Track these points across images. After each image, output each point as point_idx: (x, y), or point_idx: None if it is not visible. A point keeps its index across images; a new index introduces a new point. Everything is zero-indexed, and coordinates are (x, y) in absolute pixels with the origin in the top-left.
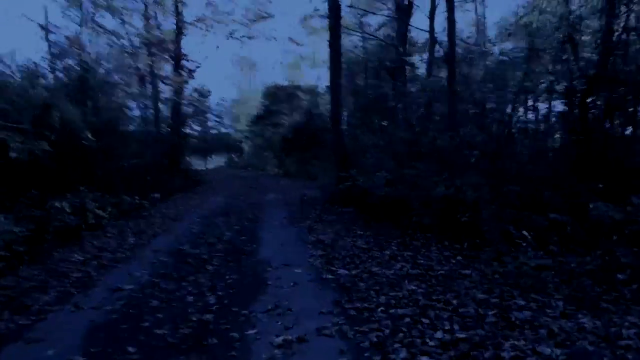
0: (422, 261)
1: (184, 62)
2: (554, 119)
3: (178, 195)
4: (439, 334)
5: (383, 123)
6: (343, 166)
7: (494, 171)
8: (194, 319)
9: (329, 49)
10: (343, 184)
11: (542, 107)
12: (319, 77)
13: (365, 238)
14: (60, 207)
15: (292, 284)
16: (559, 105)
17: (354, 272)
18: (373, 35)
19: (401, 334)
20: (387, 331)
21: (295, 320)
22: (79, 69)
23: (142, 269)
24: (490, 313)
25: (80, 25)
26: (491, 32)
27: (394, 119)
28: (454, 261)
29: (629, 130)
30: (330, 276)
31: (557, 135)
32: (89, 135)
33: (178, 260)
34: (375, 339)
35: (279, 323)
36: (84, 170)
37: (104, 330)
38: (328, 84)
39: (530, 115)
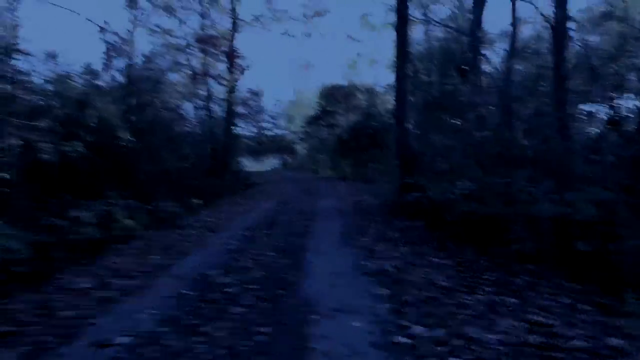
0: (538, 317)
1: (237, 61)
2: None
3: (226, 199)
4: None
5: (455, 122)
6: (408, 171)
7: (633, 184)
8: None
9: (395, 34)
10: (410, 193)
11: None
12: (377, 76)
13: (444, 269)
14: (83, 217)
15: (348, 352)
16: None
17: (438, 332)
18: (443, 25)
19: None
20: None
21: None
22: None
23: (151, 307)
24: None
25: (133, 25)
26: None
27: (467, 118)
28: (586, 318)
29: None
30: (403, 339)
31: None
32: (127, 136)
33: (200, 293)
34: None
35: None
36: (119, 174)
37: None
38: (387, 83)
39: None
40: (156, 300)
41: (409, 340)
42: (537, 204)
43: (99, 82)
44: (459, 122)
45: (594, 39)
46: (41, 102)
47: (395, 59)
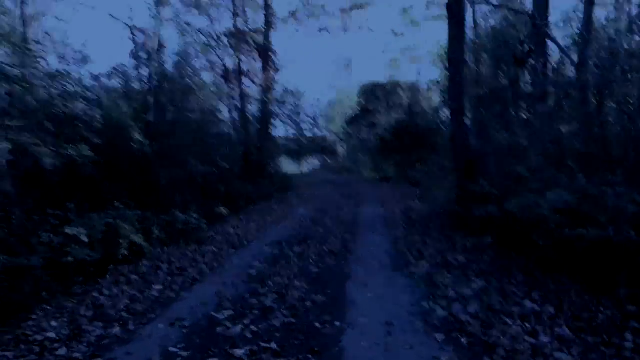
0: None
1: (272, 58)
2: None
3: (258, 206)
4: None
5: (523, 115)
6: (468, 175)
7: None
8: None
9: (447, 14)
10: (475, 204)
11: None
12: (419, 72)
13: (548, 323)
14: (75, 234)
15: None
16: None
17: None
18: (505, 6)
19: None
20: None
21: None
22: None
23: None
24: None
25: (159, 22)
26: None
27: (537, 111)
28: None
29: None
30: None
31: None
32: (140, 138)
33: (194, 355)
34: None
35: None
36: (132, 181)
37: None
38: (429, 79)
39: None
40: None
41: None
42: None
43: (131, 84)
44: (525, 116)
45: None
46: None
47: (448, 43)
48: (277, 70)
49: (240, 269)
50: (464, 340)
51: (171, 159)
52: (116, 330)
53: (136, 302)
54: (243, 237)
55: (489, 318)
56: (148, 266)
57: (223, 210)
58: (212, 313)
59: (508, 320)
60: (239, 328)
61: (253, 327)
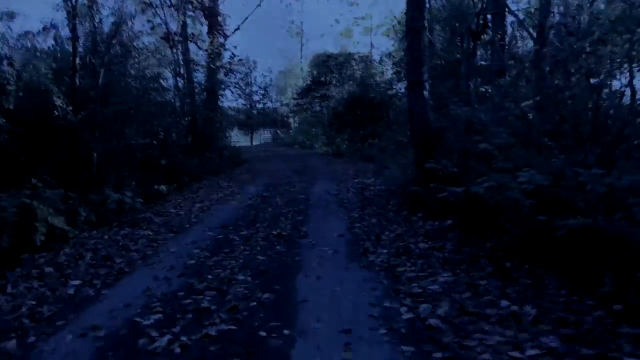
0: None
1: (220, 22)
2: None
3: (205, 182)
4: None
5: (480, 89)
6: (426, 151)
7: None
8: None
9: None
10: (437, 185)
11: None
12: (373, 45)
13: (530, 328)
14: None
15: None
16: None
17: None
18: None
19: None
20: None
21: None
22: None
23: None
24: None
25: None
26: None
27: (497, 85)
28: None
29: None
30: None
31: None
32: (61, 103)
33: None
34: None
35: None
36: (55, 154)
37: None
38: (383, 50)
39: None
40: None
41: None
42: None
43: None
44: (483, 90)
45: None
46: None
47: (407, 9)
48: (225, 36)
49: (177, 259)
50: (437, 354)
51: (104, 129)
52: (10, 344)
53: (44, 303)
54: (185, 218)
55: (463, 323)
56: (69, 254)
57: (163, 187)
58: (136, 318)
59: (485, 326)
60: (165, 340)
61: (183, 338)
